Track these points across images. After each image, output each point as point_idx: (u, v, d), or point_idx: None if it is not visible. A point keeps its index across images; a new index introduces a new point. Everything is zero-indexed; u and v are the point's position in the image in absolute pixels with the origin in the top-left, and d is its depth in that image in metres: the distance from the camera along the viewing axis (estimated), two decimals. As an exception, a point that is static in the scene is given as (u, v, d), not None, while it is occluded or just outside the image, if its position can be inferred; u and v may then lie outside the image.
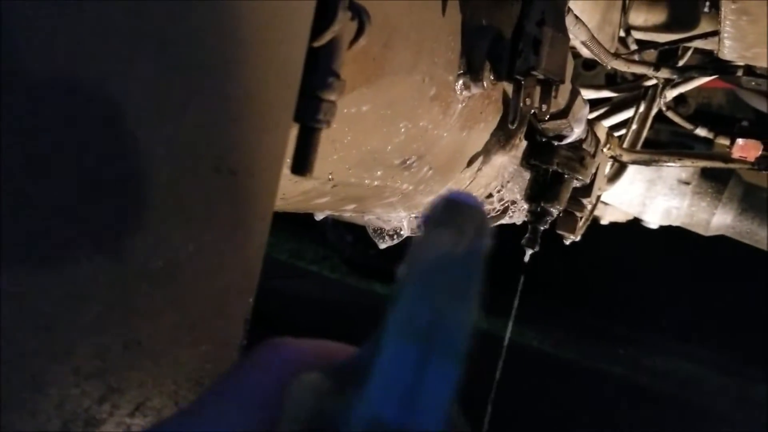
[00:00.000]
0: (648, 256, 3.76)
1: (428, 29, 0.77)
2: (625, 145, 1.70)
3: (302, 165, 0.54)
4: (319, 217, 1.08)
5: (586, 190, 1.26)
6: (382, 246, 1.26)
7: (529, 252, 1.12)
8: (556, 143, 1.05)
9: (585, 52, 1.27)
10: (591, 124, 1.16)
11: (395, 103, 0.77)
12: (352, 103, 0.70)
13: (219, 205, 0.44)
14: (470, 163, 1.09)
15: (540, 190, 1.09)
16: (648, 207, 2.04)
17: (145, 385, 0.41)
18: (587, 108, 1.01)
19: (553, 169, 1.07)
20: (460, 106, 0.91)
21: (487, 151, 1.11)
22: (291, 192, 0.79)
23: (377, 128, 0.78)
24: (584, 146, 1.10)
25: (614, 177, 1.63)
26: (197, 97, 0.40)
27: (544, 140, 1.05)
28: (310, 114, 0.53)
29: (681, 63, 1.71)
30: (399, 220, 1.23)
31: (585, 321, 3.95)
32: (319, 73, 0.53)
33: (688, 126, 1.58)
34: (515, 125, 0.82)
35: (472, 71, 0.85)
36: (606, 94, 1.87)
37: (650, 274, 3.88)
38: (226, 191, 0.44)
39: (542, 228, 1.10)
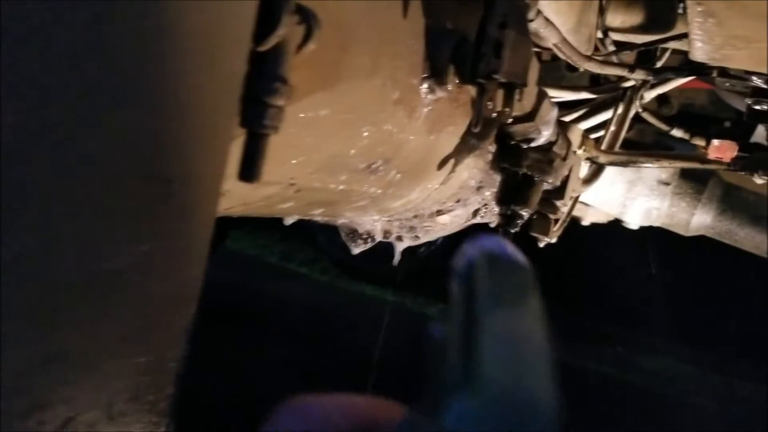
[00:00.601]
0: (635, 256, 3.77)
1: (389, 32, 0.76)
2: (603, 147, 1.71)
3: (249, 171, 0.54)
4: (288, 221, 1.07)
5: (559, 192, 1.25)
6: (356, 250, 1.25)
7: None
8: (525, 146, 1.04)
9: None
10: (562, 126, 1.16)
11: (356, 107, 0.76)
12: (310, 107, 0.69)
13: (153, 215, 0.43)
14: (441, 167, 1.08)
15: (510, 193, 1.08)
16: (628, 208, 2.04)
17: (74, 399, 0.40)
18: (555, 111, 1.01)
19: (522, 172, 1.07)
20: (425, 109, 0.90)
21: (458, 155, 1.10)
22: (251, 197, 0.79)
23: (338, 133, 0.77)
24: (555, 149, 1.09)
25: (591, 178, 1.63)
26: (124, 106, 0.39)
27: (512, 143, 1.04)
28: (257, 119, 0.52)
29: (659, 64, 1.71)
30: (371, 223, 1.22)
31: (573, 320, 3.96)
32: (265, 79, 0.52)
33: (664, 127, 1.59)
34: (478, 128, 0.81)
35: (436, 75, 0.85)
36: (584, 95, 1.87)
37: (637, 273, 3.89)
38: (161, 200, 0.43)
39: (513, 231, 1.10)
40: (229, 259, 4.99)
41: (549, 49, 1.43)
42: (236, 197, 0.77)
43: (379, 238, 1.21)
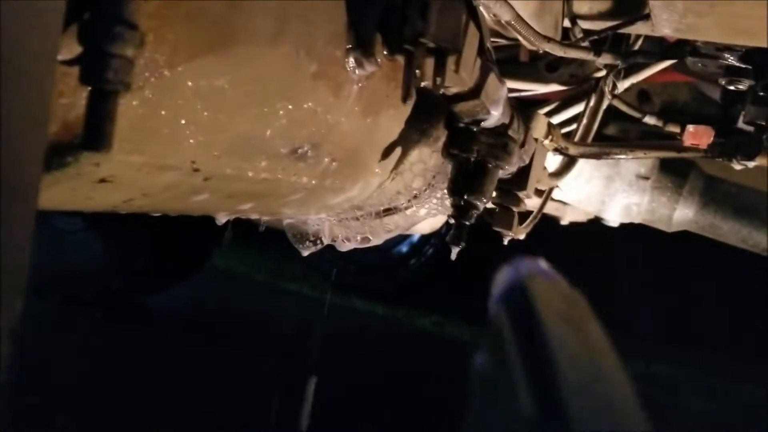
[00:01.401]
0: (626, 258, 3.68)
1: (295, -7, 0.68)
2: (576, 139, 1.62)
3: (94, 137, 0.44)
4: (220, 221, 0.98)
5: (521, 182, 1.17)
6: (305, 253, 1.16)
7: (455, 250, 1.02)
8: (474, 129, 0.95)
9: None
10: (519, 110, 1.07)
11: (262, 78, 0.67)
12: (200, 74, 0.60)
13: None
14: (385, 155, 0.99)
15: (463, 182, 0.99)
16: (607, 205, 1.95)
17: None
18: (504, 89, 0.92)
19: (474, 158, 0.98)
20: (355, 87, 0.81)
21: (406, 142, 1.01)
22: (150, 187, 0.69)
23: (244, 108, 0.68)
24: (510, 132, 1.00)
25: (562, 171, 1.54)
26: None
27: (461, 126, 0.95)
28: (97, 73, 0.43)
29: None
30: (318, 222, 1.13)
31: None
32: (105, 22, 0.43)
33: (636, 114, 1.50)
34: (406, 102, 0.73)
35: (362, 45, 0.76)
36: (555, 87, 1.79)
37: (625, 276, 3.80)
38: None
39: (468, 223, 1.01)
40: (218, 277, 4.90)
41: (516, 40, 1.36)
42: (128, 186, 0.68)
43: (327, 240, 1.11)
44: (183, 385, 3.43)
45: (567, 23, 1.58)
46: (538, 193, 2.02)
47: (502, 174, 1.04)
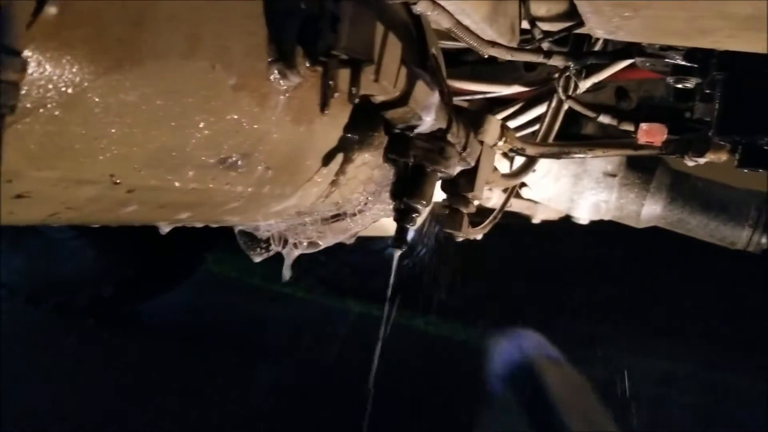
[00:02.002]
0: (623, 256, 3.70)
1: (208, 10, 0.70)
2: (538, 140, 1.64)
3: (-20, 158, 0.47)
4: (164, 230, 1.00)
5: (469, 184, 1.19)
6: (257, 259, 1.18)
7: (397, 253, 1.05)
8: (409, 134, 0.97)
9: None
10: (458, 113, 1.09)
11: (175, 92, 0.69)
12: (106, 92, 0.62)
13: None
14: (325, 162, 1.01)
15: (402, 186, 1.02)
16: (576, 202, 1.97)
17: None
18: (435, 94, 0.94)
19: (412, 163, 1.00)
20: (282, 97, 0.84)
21: (346, 149, 1.03)
22: (73, 201, 0.72)
23: (160, 122, 0.70)
24: (448, 137, 1.03)
25: (521, 171, 1.56)
26: None
27: (397, 132, 0.97)
28: (-21, 97, 0.46)
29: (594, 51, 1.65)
30: (269, 229, 1.15)
31: (560, 323, 3.87)
32: (-16, 49, 0.45)
33: (590, 114, 1.52)
34: (326, 112, 0.75)
35: (283, 57, 0.78)
36: (517, 89, 1.82)
37: (622, 274, 3.83)
38: None
39: (409, 226, 1.03)
40: (211, 282, 4.92)
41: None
42: (49, 201, 0.70)
43: (275, 245, 1.13)
44: (176, 391, 3.45)
45: (527, 25, 1.60)
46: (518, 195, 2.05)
47: (443, 177, 1.06)
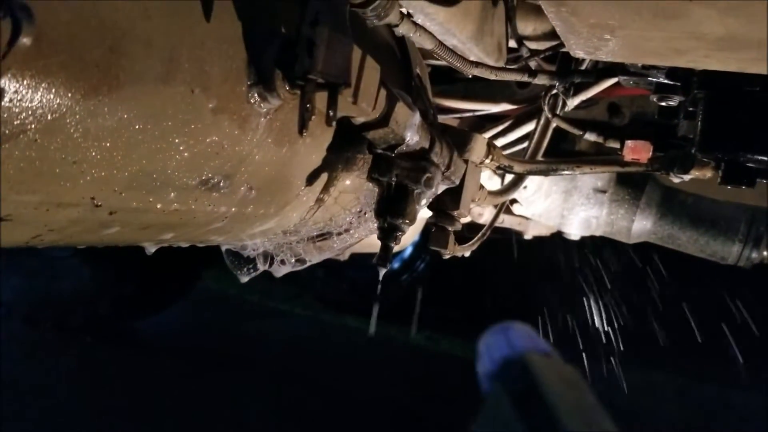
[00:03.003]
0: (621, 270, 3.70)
1: (185, 35, 0.71)
2: (527, 156, 1.65)
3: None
4: (149, 250, 1.01)
5: (455, 202, 1.20)
6: (244, 279, 1.19)
7: (382, 271, 1.05)
8: (391, 154, 0.99)
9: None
10: (443, 132, 1.11)
11: (154, 116, 0.71)
12: (84, 117, 0.64)
13: None
14: (309, 182, 1.02)
15: (385, 205, 1.03)
16: (567, 218, 1.99)
17: None
18: (416, 115, 0.96)
19: (395, 182, 1.01)
20: (263, 119, 0.85)
21: (330, 169, 1.05)
22: (54, 223, 0.73)
23: (140, 145, 0.71)
24: (431, 156, 1.04)
25: (510, 188, 1.57)
26: None
27: (379, 152, 0.99)
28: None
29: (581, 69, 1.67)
30: (255, 248, 1.16)
31: (559, 340, 3.87)
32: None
33: (577, 132, 1.54)
34: (303, 134, 0.76)
35: (263, 81, 0.80)
36: (506, 106, 1.83)
37: (620, 288, 3.82)
38: None
39: (393, 245, 1.04)
40: (209, 299, 4.92)
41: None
42: (31, 223, 0.71)
43: (262, 265, 1.14)
44: (173, 408, 3.45)
45: (514, 44, 1.62)
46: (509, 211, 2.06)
47: (426, 196, 1.07)
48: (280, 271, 1.13)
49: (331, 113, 0.76)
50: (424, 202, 1.08)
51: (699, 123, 1.23)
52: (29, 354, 3.75)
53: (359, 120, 0.89)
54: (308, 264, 1.15)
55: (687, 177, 1.35)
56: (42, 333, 3.74)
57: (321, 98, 0.77)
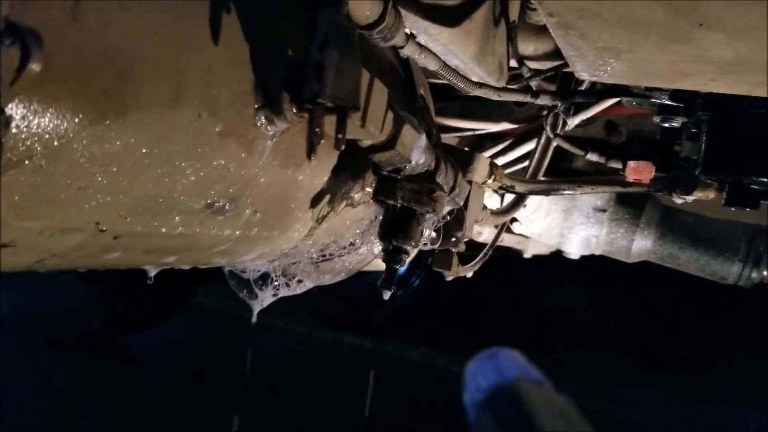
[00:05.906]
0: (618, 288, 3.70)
1: (192, 59, 0.70)
2: (527, 176, 1.65)
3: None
4: (151, 273, 1.00)
5: (458, 224, 1.19)
6: (257, 308, 1.17)
7: (387, 294, 1.04)
8: (397, 176, 0.98)
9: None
10: (448, 153, 1.10)
11: (161, 140, 0.70)
12: (91, 142, 0.63)
13: None
14: (313, 204, 1.01)
15: (390, 227, 1.02)
16: (567, 237, 1.98)
17: None
18: (423, 138, 0.95)
19: (401, 204, 1.00)
20: (269, 142, 0.84)
21: (334, 191, 1.04)
22: (57, 248, 0.71)
23: (146, 170, 0.70)
24: (437, 178, 1.03)
25: (512, 207, 1.56)
26: None
27: (384, 174, 0.98)
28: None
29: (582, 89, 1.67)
30: (257, 269, 1.15)
31: (555, 355, 3.86)
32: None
33: (579, 152, 1.53)
34: (312, 157, 0.75)
35: (270, 104, 0.79)
36: (506, 126, 1.83)
37: (618, 306, 3.82)
38: None
39: (398, 267, 1.03)
40: (202, 315, 4.89)
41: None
42: (34, 249, 0.70)
43: (260, 288, 1.13)
44: (167, 425, 3.41)
45: (515, 63, 1.62)
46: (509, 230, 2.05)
47: (432, 220, 1.06)
48: (279, 293, 1.12)
49: (340, 137, 0.75)
50: (429, 226, 1.07)
51: (703, 145, 1.23)
52: (22, 370, 3.71)
53: (366, 143, 0.88)
54: (309, 287, 1.14)
55: (690, 198, 1.35)
56: (35, 349, 3.71)
57: (328, 121, 0.77)
